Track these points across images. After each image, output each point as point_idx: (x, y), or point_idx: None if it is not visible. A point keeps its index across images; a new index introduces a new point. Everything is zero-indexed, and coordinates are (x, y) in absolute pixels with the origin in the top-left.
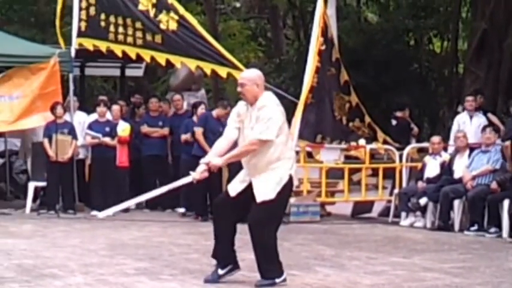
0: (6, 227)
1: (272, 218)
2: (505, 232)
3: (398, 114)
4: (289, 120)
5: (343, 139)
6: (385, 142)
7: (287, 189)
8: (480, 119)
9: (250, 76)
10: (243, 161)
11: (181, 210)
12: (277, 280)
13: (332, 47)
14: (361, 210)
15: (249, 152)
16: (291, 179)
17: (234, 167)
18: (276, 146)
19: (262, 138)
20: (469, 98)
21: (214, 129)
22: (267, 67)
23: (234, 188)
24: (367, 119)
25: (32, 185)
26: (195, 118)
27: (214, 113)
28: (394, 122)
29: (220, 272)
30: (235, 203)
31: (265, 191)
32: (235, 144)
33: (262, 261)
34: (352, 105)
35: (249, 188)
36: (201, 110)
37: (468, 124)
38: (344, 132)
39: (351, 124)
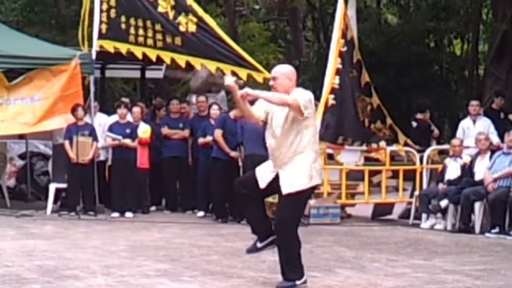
0: (27, 229)
1: (295, 215)
2: None
3: (419, 116)
4: None
5: (366, 141)
6: (406, 144)
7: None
8: (484, 123)
9: (283, 70)
10: (269, 150)
11: (201, 213)
12: (297, 282)
13: (353, 49)
14: (381, 212)
15: (281, 101)
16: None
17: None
18: (303, 135)
19: (299, 100)
20: (474, 102)
21: (232, 131)
22: None
23: (263, 179)
24: (389, 121)
25: (53, 187)
26: (212, 121)
27: (232, 114)
28: (414, 124)
29: (259, 244)
30: (262, 190)
31: (291, 182)
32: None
33: (285, 262)
34: (373, 107)
35: (277, 179)
36: (212, 111)
37: (472, 128)
38: (366, 134)
39: (372, 126)
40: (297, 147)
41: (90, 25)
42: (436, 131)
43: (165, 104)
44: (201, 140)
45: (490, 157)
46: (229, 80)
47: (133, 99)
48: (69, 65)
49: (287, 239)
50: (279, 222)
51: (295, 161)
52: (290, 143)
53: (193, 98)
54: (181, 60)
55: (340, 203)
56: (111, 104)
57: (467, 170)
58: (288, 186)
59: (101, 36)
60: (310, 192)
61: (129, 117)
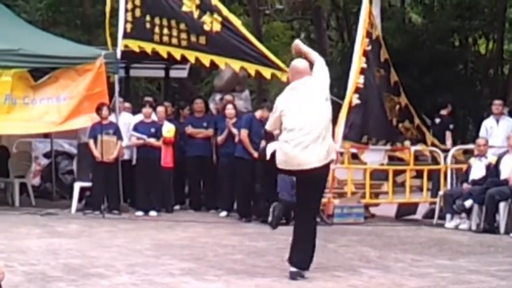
0: (52, 227)
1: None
2: None
3: (443, 112)
4: (334, 121)
5: (392, 140)
6: (433, 145)
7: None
8: (508, 122)
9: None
10: None
11: (223, 213)
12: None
13: (380, 48)
14: (405, 212)
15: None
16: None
17: None
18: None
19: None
20: (497, 102)
21: (258, 132)
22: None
23: None
24: (416, 121)
25: (77, 185)
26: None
27: (258, 114)
28: (437, 120)
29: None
30: None
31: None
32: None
33: None
34: (401, 106)
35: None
36: (227, 110)
37: (495, 128)
38: (393, 133)
39: (400, 125)
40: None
41: (115, 25)
42: (451, 127)
43: (189, 104)
44: (219, 139)
45: None
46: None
47: (157, 98)
48: (94, 64)
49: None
50: None
51: None
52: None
53: (217, 97)
54: (206, 59)
55: (364, 202)
56: (135, 103)
57: (492, 169)
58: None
59: (126, 35)
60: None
61: (154, 117)
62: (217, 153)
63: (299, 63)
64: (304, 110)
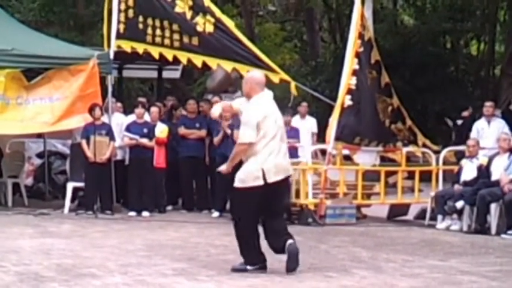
0: (45, 227)
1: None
2: None
3: (465, 114)
4: (326, 122)
5: (385, 141)
6: (424, 145)
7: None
8: (499, 124)
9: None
10: None
11: (216, 214)
12: (248, 267)
13: (371, 49)
14: (397, 212)
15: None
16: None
17: None
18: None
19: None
20: (488, 103)
21: None
22: (303, 69)
23: None
24: (408, 122)
25: (70, 186)
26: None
27: None
28: (459, 122)
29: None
30: None
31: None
32: None
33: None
34: (394, 108)
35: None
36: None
37: (486, 129)
38: (386, 134)
39: (393, 126)
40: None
41: (109, 25)
42: None
43: (182, 104)
44: (216, 139)
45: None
46: (215, 111)
47: (150, 99)
48: (87, 64)
49: (237, 227)
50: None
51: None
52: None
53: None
54: (198, 60)
55: (356, 203)
56: (128, 104)
57: (484, 170)
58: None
59: (119, 36)
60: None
61: (146, 117)
62: (210, 154)
63: (258, 74)
64: (277, 119)
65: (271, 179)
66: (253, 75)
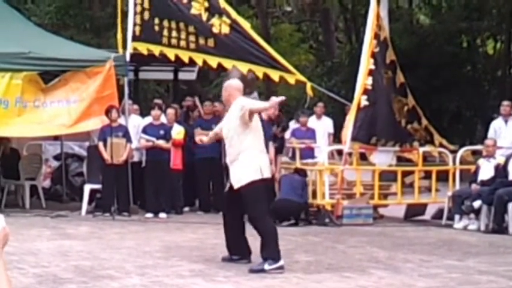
0: (63, 229)
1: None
2: None
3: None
4: (341, 122)
5: (401, 141)
6: (441, 145)
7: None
8: None
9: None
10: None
11: None
12: (266, 266)
13: (386, 49)
14: (414, 212)
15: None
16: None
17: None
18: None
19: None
20: (505, 102)
21: (266, 133)
22: (319, 70)
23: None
24: (424, 122)
25: (87, 188)
26: None
27: (265, 115)
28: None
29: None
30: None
31: (238, 178)
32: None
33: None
34: (409, 108)
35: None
36: None
37: (504, 128)
38: (402, 134)
39: (409, 126)
40: (239, 148)
41: (124, 27)
42: None
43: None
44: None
45: None
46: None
47: (166, 100)
48: (104, 67)
49: (253, 224)
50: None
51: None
52: (234, 145)
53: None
54: (213, 61)
55: (373, 203)
56: (144, 106)
57: (501, 170)
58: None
59: (135, 38)
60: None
61: (163, 119)
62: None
63: (235, 81)
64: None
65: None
66: (230, 82)
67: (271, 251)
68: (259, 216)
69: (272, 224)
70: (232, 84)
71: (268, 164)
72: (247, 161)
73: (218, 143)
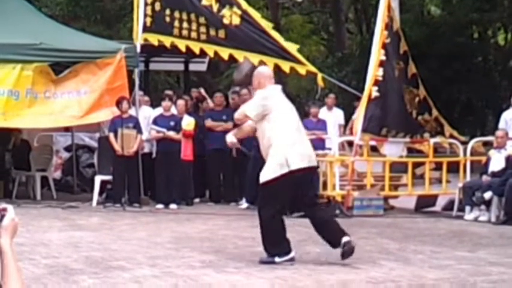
0: (73, 220)
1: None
2: None
3: None
4: (352, 113)
5: (412, 133)
6: (451, 136)
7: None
8: None
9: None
10: None
11: (245, 205)
12: (276, 259)
13: (399, 40)
14: (424, 204)
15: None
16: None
17: None
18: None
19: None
20: None
21: None
22: (329, 61)
23: None
24: (435, 113)
25: (98, 179)
26: None
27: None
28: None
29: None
30: None
31: (263, 173)
32: None
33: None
34: (420, 99)
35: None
36: None
37: None
38: (413, 125)
39: (420, 118)
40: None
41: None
42: None
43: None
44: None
45: None
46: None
47: (177, 91)
48: (115, 58)
49: (261, 218)
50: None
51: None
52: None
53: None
54: (225, 53)
55: (383, 194)
56: (154, 97)
57: None
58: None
59: (146, 29)
60: (286, 178)
61: (173, 110)
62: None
63: (265, 69)
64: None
65: (295, 165)
66: (260, 70)
67: (275, 248)
68: (264, 216)
69: (277, 226)
70: (261, 72)
71: (300, 152)
72: (270, 157)
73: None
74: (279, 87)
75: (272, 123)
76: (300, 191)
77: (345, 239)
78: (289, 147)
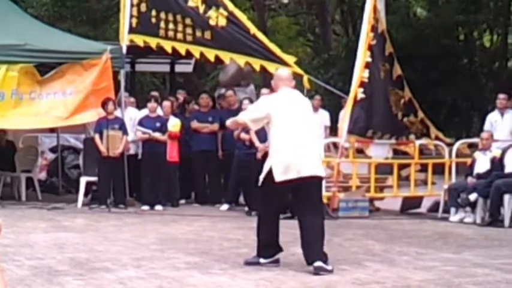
0: (58, 221)
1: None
2: None
3: None
4: (338, 114)
5: (398, 134)
6: (437, 138)
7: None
8: None
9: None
10: None
11: (225, 207)
12: (261, 260)
13: (385, 42)
14: (410, 205)
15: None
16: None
17: None
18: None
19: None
20: (501, 95)
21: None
22: (315, 62)
23: None
24: (420, 114)
25: (83, 180)
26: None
27: None
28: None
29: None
30: None
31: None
32: None
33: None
34: (406, 101)
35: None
36: (244, 106)
37: (500, 121)
38: (399, 127)
39: (405, 119)
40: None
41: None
42: None
43: (194, 98)
44: (236, 133)
45: None
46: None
47: (163, 93)
48: (100, 59)
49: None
50: None
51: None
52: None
53: (222, 92)
54: (211, 54)
55: (369, 196)
56: (140, 98)
57: (497, 163)
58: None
59: (131, 30)
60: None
61: (159, 111)
62: (222, 148)
63: (282, 71)
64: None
65: (278, 177)
66: (277, 72)
67: (260, 250)
68: (259, 218)
69: (266, 233)
70: (277, 74)
71: (287, 163)
72: (266, 162)
73: (214, 135)
74: (289, 90)
75: (272, 128)
76: (299, 197)
77: (317, 264)
78: (279, 156)
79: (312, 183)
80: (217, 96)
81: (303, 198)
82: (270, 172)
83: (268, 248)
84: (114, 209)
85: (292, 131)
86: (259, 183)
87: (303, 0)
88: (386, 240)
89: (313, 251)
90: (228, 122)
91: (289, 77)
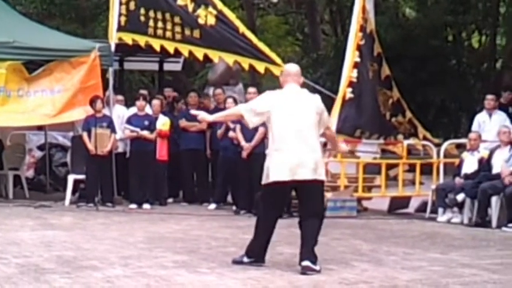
0: (46, 219)
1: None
2: None
3: None
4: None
5: (386, 134)
6: (425, 138)
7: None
8: (500, 117)
9: None
10: None
11: (213, 206)
12: (245, 259)
13: (373, 42)
14: (398, 205)
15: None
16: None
17: None
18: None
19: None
20: (489, 96)
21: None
22: (304, 62)
23: None
24: (408, 115)
25: (71, 178)
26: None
27: None
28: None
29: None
30: None
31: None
32: None
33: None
34: (394, 101)
35: None
36: (227, 104)
37: (488, 122)
38: (387, 127)
39: (393, 119)
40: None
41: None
42: None
43: (183, 97)
44: (219, 132)
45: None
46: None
47: (151, 91)
48: (89, 57)
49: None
50: None
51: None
52: None
53: (211, 91)
54: (199, 52)
55: (357, 196)
56: (129, 96)
57: (485, 164)
58: None
59: (120, 28)
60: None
61: (148, 109)
62: (211, 147)
63: (290, 66)
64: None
65: (273, 177)
66: (286, 67)
67: (250, 248)
68: (257, 218)
69: (262, 235)
70: (286, 69)
71: (283, 163)
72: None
73: (203, 134)
74: (296, 87)
75: (270, 126)
76: (300, 199)
77: (304, 263)
78: (278, 156)
79: (312, 186)
80: (202, 95)
81: (303, 201)
82: (267, 176)
83: (256, 253)
84: (101, 207)
85: (293, 130)
86: (262, 184)
87: None
88: (374, 240)
89: (303, 250)
90: (222, 114)
91: (298, 73)
